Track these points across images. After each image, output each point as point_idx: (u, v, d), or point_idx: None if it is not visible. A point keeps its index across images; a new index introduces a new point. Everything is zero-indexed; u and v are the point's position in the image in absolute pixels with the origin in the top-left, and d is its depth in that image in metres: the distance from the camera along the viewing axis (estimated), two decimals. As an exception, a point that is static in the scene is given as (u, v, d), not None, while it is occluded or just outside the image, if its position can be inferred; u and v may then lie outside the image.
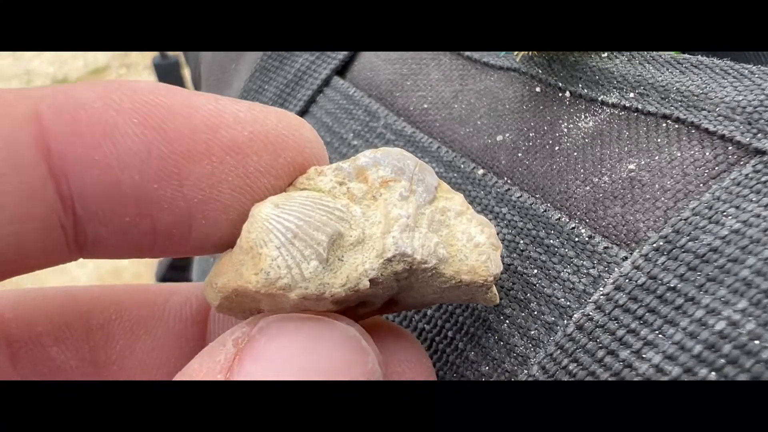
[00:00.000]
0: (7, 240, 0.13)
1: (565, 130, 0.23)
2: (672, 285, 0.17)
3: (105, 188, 0.14)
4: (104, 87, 0.15)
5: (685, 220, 0.18)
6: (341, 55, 0.33)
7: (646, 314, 0.17)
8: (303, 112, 0.33)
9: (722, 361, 0.15)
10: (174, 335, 0.20)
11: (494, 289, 0.18)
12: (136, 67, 2.32)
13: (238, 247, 0.16)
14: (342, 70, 0.33)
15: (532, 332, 0.20)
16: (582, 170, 0.22)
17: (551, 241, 0.21)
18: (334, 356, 0.15)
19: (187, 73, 0.88)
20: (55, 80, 2.33)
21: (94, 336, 0.20)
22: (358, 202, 0.17)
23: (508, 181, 0.23)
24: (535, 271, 0.21)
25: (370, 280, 0.16)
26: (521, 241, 0.22)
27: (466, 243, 0.17)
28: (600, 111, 0.23)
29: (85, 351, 0.19)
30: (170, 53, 0.98)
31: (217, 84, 0.42)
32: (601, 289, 0.18)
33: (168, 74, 0.99)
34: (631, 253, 0.19)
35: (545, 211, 0.22)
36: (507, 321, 0.21)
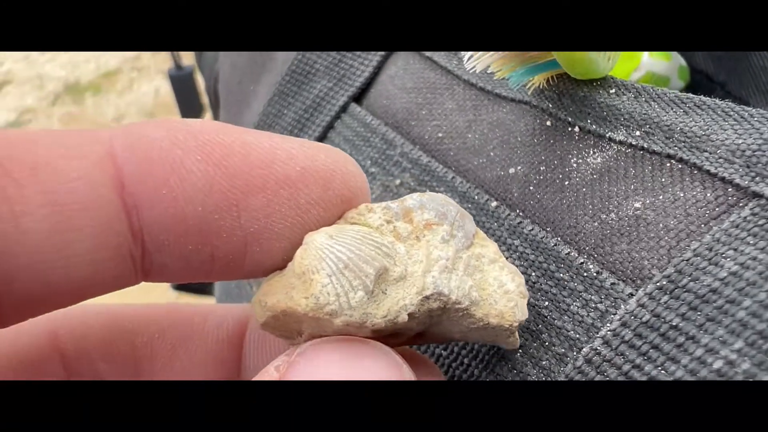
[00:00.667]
0: (84, 268, 0.15)
1: (575, 165, 0.25)
2: (674, 323, 0.18)
3: (171, 220, 0.16)
4: (170, 126, 0.16)
5: (687, 260, 0.19)
6: (358, 82, 0.34)
7: (650, 351, 0.18)
8: (321, 138, 0.34)
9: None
10: (211, 355, 0.22)
11: (516, 334, 0.20)
12: (147, 70, 2.34)
13: (290, 271, 0.18)
14: (359, 97, 0.35)
15: (544, 362, 0.21)
16: (590, 206, 0.23)
17: (561, 275, 0.22)
18: (372, 367, 0.16)
19: (200, 79, 0.90)
20: (67, 84, 2.35)
21: (139, 353, 0.21)
22: (402, 240, 0.19)
23: (521, 214, 0.25)
24: (546, 303, 0.22)
25: (408, 314, 0.18)
26: (533, 274, 0.23)
27: (497, 289, 0.19)
28: (608, 147, 0.24)
29: (130, 367, 0.21)
30: (185, 63, 0.99)
31: (238, 105, 0.44)
32: (608, 324, 0.20)
33: (183, 85, 1.01)
34: (636, 290, 0.20)
35: (555, 245, 0.23)
36: (520, 351, 0.22)
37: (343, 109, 0.34)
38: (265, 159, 0.17)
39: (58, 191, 0.14)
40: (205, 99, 1.01)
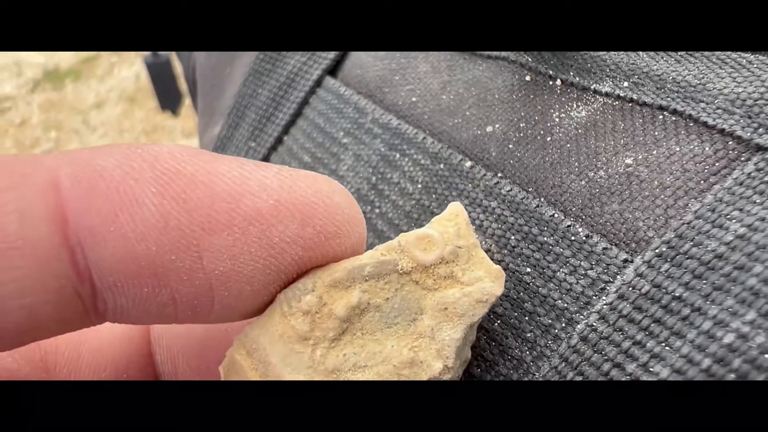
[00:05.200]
0: (19, 313, 0.13)
1: (557, 120, 0.23)
2: (677, 294, 0.16)
3: (121, 260, 0.14)
4: (125, 153, 0.14)
5: (688, 224, 0.17)
6: (332, 54, 0.32)
7: (652, 325, 0.16)
8: (296, 115, 0.32)
9: (732, 376, 0.15)
10: (118, 334, 0.20)
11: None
12: (127, 55, 2.30)
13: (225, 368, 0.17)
14: (333, 70, 0.33)
15: (528, 334, 0.19)
16: (576, 163, 0.21)
17: (545, 238, 0.20)
18: None
19: (178, 66, 0.88)
20: (46, 70, 2.31)
21: (44, 343, 0.19)
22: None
23: (498, 174, 0.23)
24: (528, 269, 0.20)
25: None
26: (512, 237, 0.21)
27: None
28: (593, 100, 0.22)
29: (37, 359, 0.19)
30: (161, 52, 0.98)
31: (212, 90, 0.42)
32: (604, 297, 0.18)
33: (160, 73, 0.99)
34: (631, 255, 0.18)
35: (538, 206, 0.21)
36: (499, 321, 0.20)
37: (318, 83, 0.32)
38: (232, 191, 0.14)
39: None
40: (183, 86, 0.99)
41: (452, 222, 0.17)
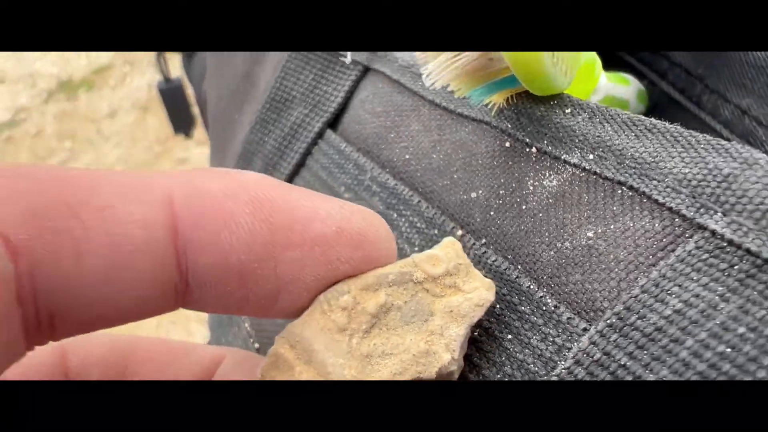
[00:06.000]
0: (132, 301, 0.17)
1: (531, 188, 0.25)
2: (623, 363, 0.19)
3: (216, 266, 0.17)
4: (224, 178, 0.18)
5: (635, 297, 0.20)
6: (332, 107, 0.35)
7: None
8: (300, 165, 0.35)
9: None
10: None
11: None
12: (139, 63, 2.33)
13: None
14: (334, 123, 0.35)
15: None
16: (547, 233, 0.23)
17: (523, 308, 0.23)
18: None
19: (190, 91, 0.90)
20: (60, 80, 2.34)
21: (128, 372, 0.23)
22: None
23: (484, 243, 0.25)
24: (510, 336, 0.23)
25: None
26: (497, 305, 0.23)
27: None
28: (563, 170, 0.25)
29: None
30: (173, 76, 0.99)
31: (223, 132, 0.45)
32: (562, 363, 0.20)
33: (173, 98, 1.01)
34: (589, 324, 0.21)
35: (517, 277, 0.23)
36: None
37: (320, 135, 0.35)
38: (306, 216, 0.18)
39: (119, 233, 0.16)
40: (195, 109, 1.02)
41: (451, 248, 0.22)
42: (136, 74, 2.33)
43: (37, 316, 0.16)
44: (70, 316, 0.16)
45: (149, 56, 2.26)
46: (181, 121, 1.05)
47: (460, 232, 0.26)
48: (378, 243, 0.20)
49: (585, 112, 0.26)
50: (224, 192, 0.18)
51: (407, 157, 0.30)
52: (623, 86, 0.39)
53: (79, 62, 2.41)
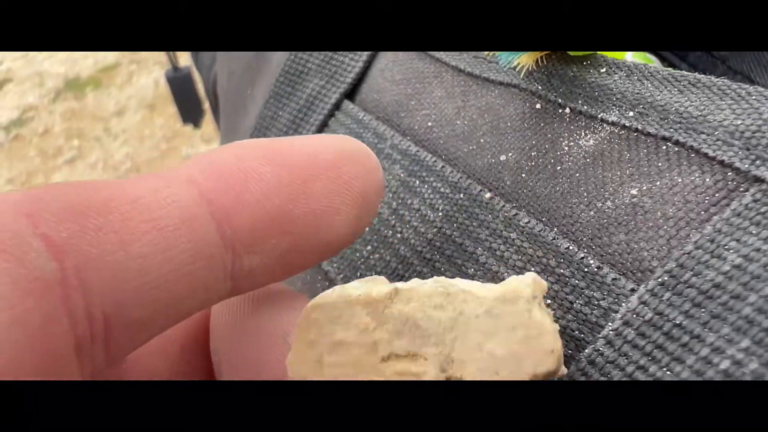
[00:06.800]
0: (183, 280, 0.17)
1: (566, 148, 0.24)
2: (678, 322, 0.17)
3: (257, 218, 0.18)
4: (234, 147, 0.19)
5: (688, 253, 0.18)
6: (349, 78, 0.34)
7: (654, 351, 0.18)
8: None
9: (728, 400, 0.16)
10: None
11: None
12: (146, 62, 2.34)
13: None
14: (351, 94, 0.34)
15: None
16: (585, 193, 0.22)
17: (562, 270, 0.21)
18: None
19: (198, 79, 0.89)
20: (67, 79, 2.35)
21: None
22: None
23: (515, 205, 0.24)
24: (549, 301, 0.21)
25: None
26: (532, 269, 0.22)
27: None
28: (600, 129, 0.23)
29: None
30: (181, 65, 0.99)
31: (234, 111, 0.44)
32: (610, 324, 0.19)
33: (180, 86, 1.01)
34: (637, 285, 0.19)
35: (554, 239, 0.22)
36: None
37: (336, 106, 0.34)
38: (312, 152, 0.19)
39: (157, 217, 0.16)
40: (204, 100, 1.01)
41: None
42: (142, 73, 2.34)
43: (90, 322, 0.15)
44: (127, 315, 0.16)
45: (156, 55, 2.28)
46: (190, 111, 1.04)
47: (488, 195, 0.25)
48: (369, 155, 0.21)
49: (621, 70, 0.24)
50: (236, 155, 0.18)
51: (429, 124, 0.29)
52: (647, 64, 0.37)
53: (86, 61, 2.42)
